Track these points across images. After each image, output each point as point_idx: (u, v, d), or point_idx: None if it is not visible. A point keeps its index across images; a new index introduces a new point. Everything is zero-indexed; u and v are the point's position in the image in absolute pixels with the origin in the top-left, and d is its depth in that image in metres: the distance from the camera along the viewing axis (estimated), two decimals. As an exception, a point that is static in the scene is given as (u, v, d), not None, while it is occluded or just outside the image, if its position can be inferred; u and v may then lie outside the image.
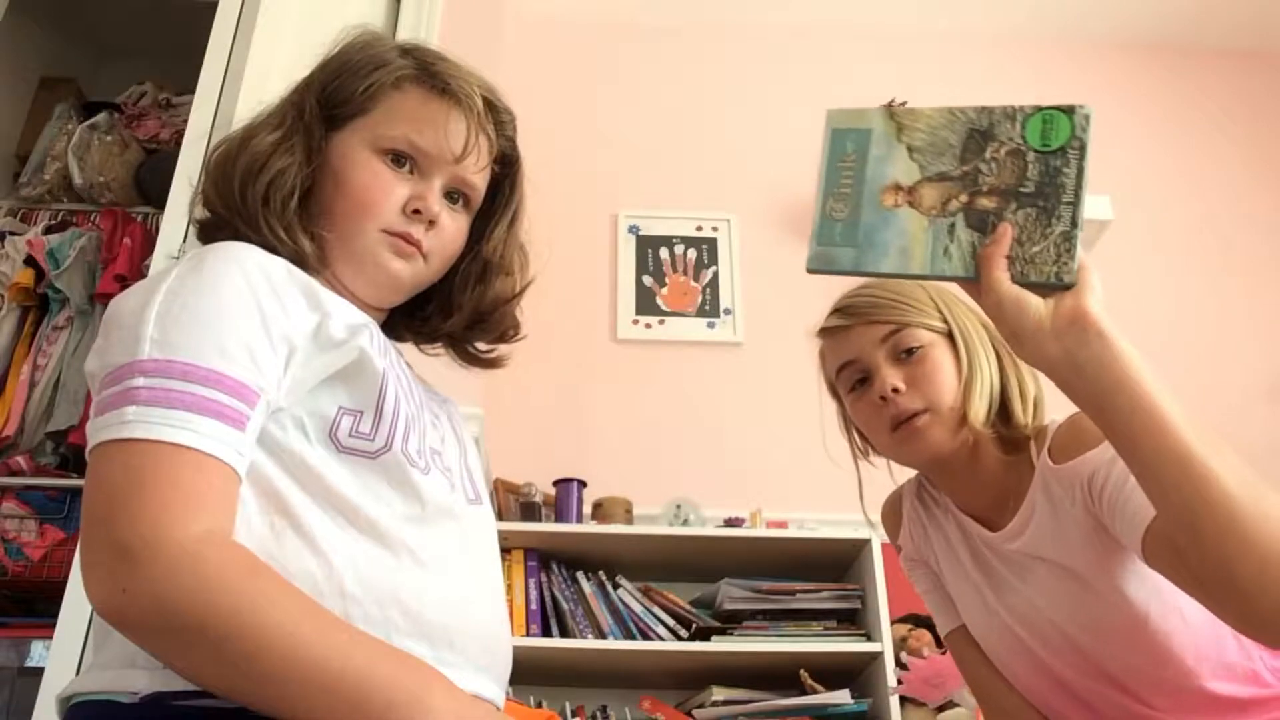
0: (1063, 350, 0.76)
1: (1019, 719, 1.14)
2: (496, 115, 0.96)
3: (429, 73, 0.92)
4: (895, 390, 1.08)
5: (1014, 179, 0.78)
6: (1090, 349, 0.75)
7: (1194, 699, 1.02)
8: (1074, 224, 0.75)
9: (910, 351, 1.10)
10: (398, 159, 0.89)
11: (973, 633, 1.19)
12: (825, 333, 1.18)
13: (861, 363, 1.12)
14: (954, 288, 0.85)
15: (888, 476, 1.26)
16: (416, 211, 0.89)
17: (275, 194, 0.86)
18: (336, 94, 0.91)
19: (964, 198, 0.78)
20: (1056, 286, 0.75)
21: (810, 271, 0.81)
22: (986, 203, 0.78)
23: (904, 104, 0.84)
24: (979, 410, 1.08)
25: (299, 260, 0.85)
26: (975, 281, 0.78)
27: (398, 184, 0.89)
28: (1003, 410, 1.11)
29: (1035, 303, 0.76)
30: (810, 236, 0.81)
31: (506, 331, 1.02)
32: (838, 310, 1.16)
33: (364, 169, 0.88)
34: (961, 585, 1.19)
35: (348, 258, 0.88)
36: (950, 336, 1.12)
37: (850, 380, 1.14)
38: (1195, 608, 0.92)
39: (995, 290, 0.76)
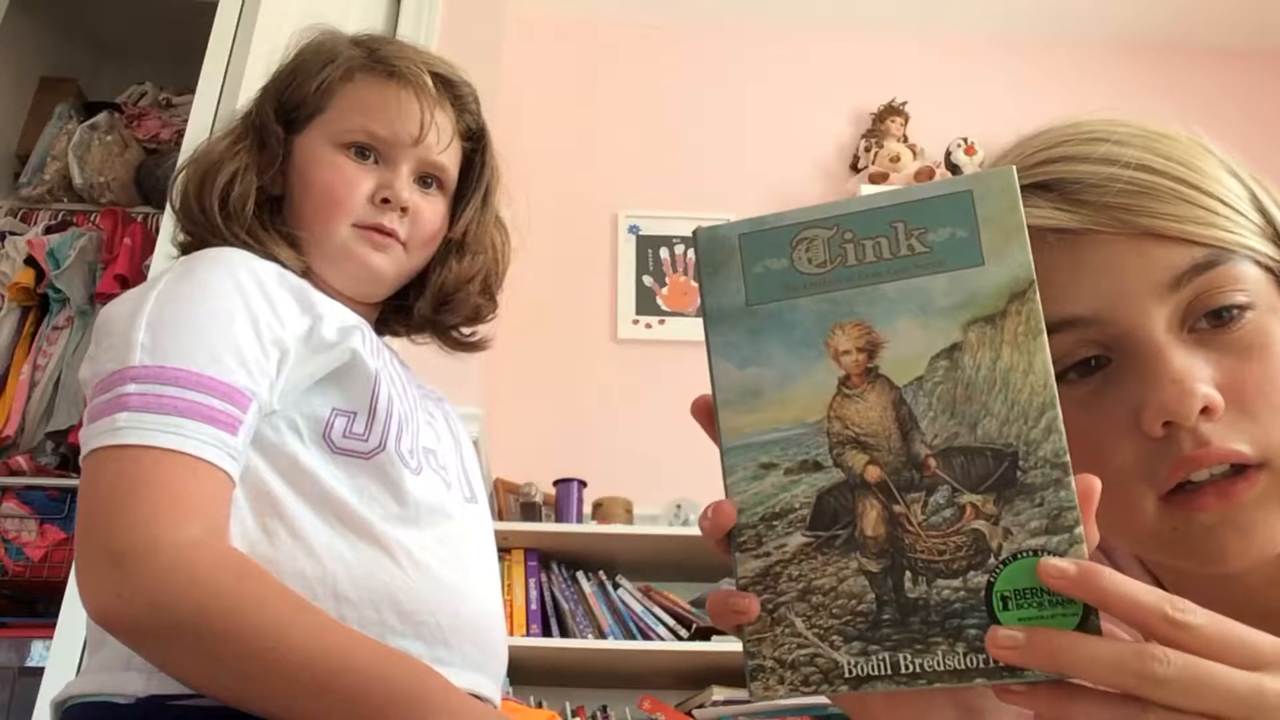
0: None
1: None
2: (453, 90, 0.94)
3: (376, 59, 0.91)
4: (1205, 410, 0.49)
5: None
6: None
7: None
8: None
9: (1222, 316, 0.51)
10: (361, 151, 0.88)
11: None
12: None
13: (1111, 324, 0.52)
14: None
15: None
16: (386, 200, 0.87)
17: (231, 199, 0.85)
18: (293, 97, 0.90)
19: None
20: None
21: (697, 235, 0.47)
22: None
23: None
24: None
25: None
26: None
27: (363, 176, 0.88)
28: None
29: None
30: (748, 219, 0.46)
31: (478, 311, 0.98)
32: (1046, 188, 0.54)
33: (326, 166, 0.87)
34: None
35: (326, 257, 0.87)
36: None
37: (1060, 361, 0.52)
38: None
39: None
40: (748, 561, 0.44)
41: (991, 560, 0.41)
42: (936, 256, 0.43)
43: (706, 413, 0.46)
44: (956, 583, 0.41)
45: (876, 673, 0.41)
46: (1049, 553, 0.40)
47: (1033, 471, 0.41)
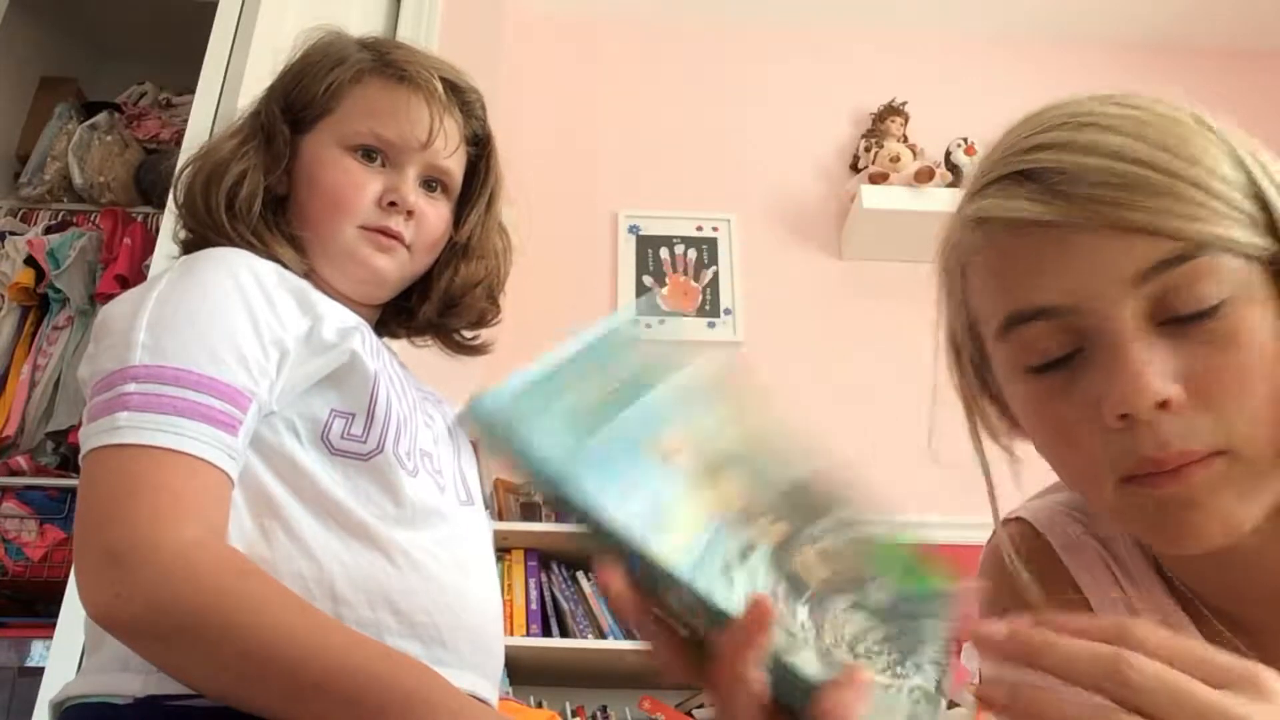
0: None
1: None
2: (461, 96, 0.95)
3: (386, 62, 0.91)
4: (1163, 404, 0.50)
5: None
6: None
7: None
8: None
9: (1196, 312, 0.51)
10: (368, 154, 0.89)
11: None
12: (996, 230, 0.55)
13: (1083, 315, 0.53)
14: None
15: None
16: (392, 204, 0.88)
17: (238, 200, 0.85)
18: (300, 97, 0.90)
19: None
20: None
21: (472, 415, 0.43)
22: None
23: None
24: None
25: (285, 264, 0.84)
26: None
27: (370, 178, 0.88)
28: None
29: None
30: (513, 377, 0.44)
31: (483, 315, 0.99)
32: (1029, 177, 0.55)
33: (334, 167, 0.88)
34: None
35: (329, 258, 0.88)
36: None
37: (1035, 348, 0.55)
38: None
39: None
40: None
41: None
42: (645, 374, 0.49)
43: (630, 592, 0.42)
44: None
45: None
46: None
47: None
